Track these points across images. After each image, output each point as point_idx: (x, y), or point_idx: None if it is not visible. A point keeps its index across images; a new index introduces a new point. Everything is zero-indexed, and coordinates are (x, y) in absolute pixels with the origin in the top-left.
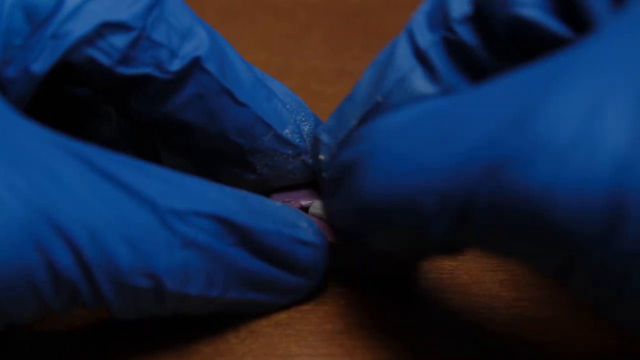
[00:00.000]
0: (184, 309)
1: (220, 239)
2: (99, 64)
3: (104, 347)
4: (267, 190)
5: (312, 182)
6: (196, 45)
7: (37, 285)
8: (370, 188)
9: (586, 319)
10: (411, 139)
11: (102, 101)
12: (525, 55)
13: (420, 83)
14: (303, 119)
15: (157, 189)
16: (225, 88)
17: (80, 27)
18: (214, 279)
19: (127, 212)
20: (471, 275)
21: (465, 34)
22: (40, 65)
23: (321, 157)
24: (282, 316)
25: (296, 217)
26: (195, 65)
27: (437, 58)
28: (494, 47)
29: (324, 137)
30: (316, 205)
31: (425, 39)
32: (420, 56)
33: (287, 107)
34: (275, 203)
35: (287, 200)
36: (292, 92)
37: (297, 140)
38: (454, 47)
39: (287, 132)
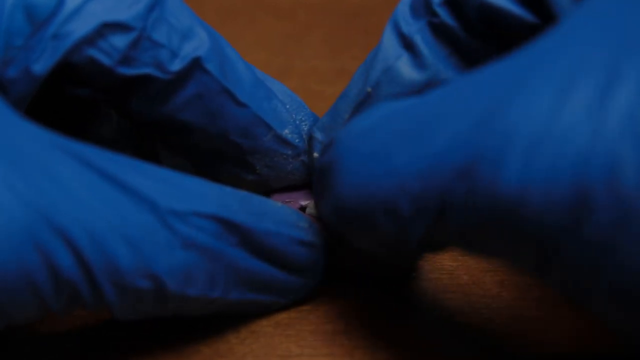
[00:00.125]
0: (184, 310)
1: (221, 239)
2: (99, 64)
3: (104, 347)
4: (267, 190)
5: (312, 183)
6: (196, 45)
7: (37, 286)
8: (343, 190)
9: (587, 319)
10: (380, 141)
11: (102, 102)
12: (500, 39)
13: (407, 70)
14: (303, 119)
15: (157, 190)
16: (225, 88)
17: (81, 28)
18: (215, 280)
19: (127, 212)
20: (471, 276)
21: (446, 16)
22: (41, 65)
23: (315, 154)
24: (283, 316)
25: (296, 218)
26: (195, 65)
27: (423, 43)
28: (472, 31)
29: (318, 135)
30: (312, 205)
31: (410, 26)
32: (406, 43)
33: (287, 107)
34: (275, 203)
35: (286, 200)
36: (292, 92)
37: (297, 141)
38: (438, 30)
39: (286, 133)
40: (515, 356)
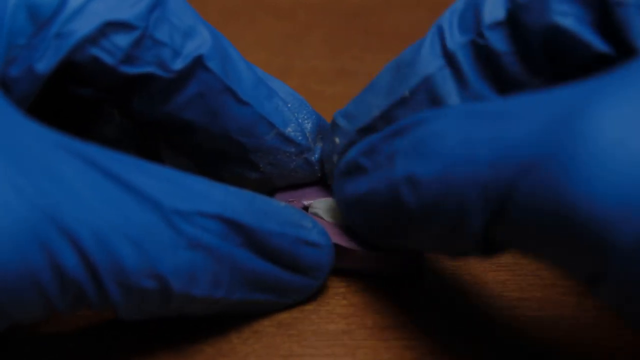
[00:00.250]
0: (188, 310)
1: (226, 239)
2: (102, 63)
3: (107, 347)
4: (270, 189)
5: (315, 181)
6: (199, 44)
7: (42, 285)
8: (426, 173)
9: (589, 319)
10: (467, 130)
11: (105, 101)
12: (558, 73)
13: (447, 84)
14: (305, 117)
15: (162, 190)
16: (227, 87)
17: (83, 27)
18: (219, 280)
19: (131, 212)
20: (473, 276)
21: (496, 40)
22: (44, 64)
23: (337, 140)
24: (285, 316)
25: (301, 217)
26: (197, 64)
27: (465, 61)
28: (526, 58)
29: (341, 122)
30: (315, 205)
31: (455, 39)
32: (449, 56)
33: (289, 105)
34: (279, 203)
35: (290, 199)
36: (294, 91)
37: (300, 138)
38: (482, 53)
39: (289, 130)
40: (518, 356)
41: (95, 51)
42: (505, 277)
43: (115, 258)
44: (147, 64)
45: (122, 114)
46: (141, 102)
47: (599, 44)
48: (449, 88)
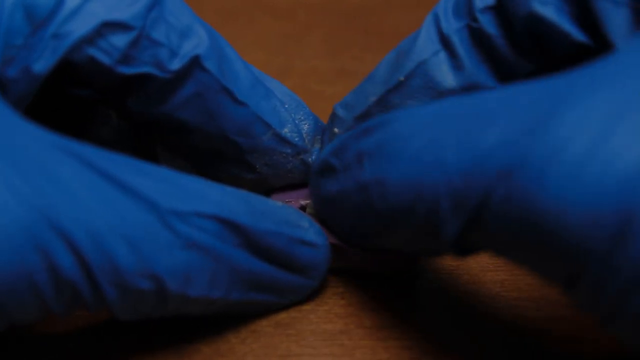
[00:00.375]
0: (185, 310)
1: (222, 239)
2: (99, 63)
3: (105, 347)
4: (267, 189)
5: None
6: (196, 43)
7: (38, 286)
8: (391, 175)
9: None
10: (434, 133)
11: (101, 102)
12: (544, 56)
13: (442, 67)
14: (302, 118)
15: (158, 190)
16: (224, 87)
17: (80, 27)
18: (216, 280)
19: (127, 213)
20: (472, 275)
21: (487, 23)
22: (41, 65)
23: (335, 130)
24: (283, 316)
25: (297, 217)
26: (194, 63)
27: (460, 45)
28: (514, 42)
29: (340, 112)
30: (312, 205)
31: (450, 24)
32: (444, 40)
33: (286, 106)
34: (276, 203)
35: (287, 200)
36: (291, 92)
37: (296, 139)
38: (476, 36)
39: (286, 131)
40: (516, 356)
41: (92, 51)
42: (504, 277)
43: (110, 258)
44: (144, 64)
45: (118, 114)
46: (138, 102)
47: (577, 34)
48: (444, 71)
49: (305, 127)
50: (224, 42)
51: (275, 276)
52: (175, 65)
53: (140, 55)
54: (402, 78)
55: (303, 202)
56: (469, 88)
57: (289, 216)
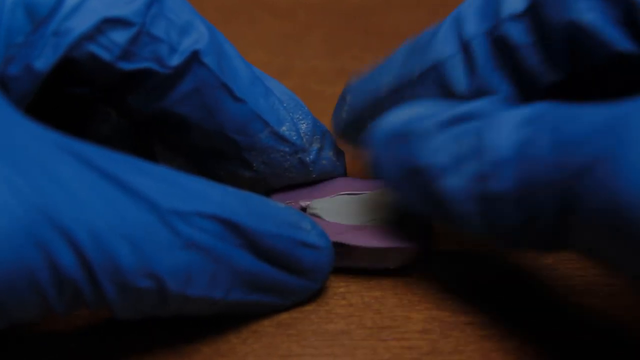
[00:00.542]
0: (186, 311)
1: (223, 240)
2: (100, 59)
3: (105, 347)
4: (265, 189)
5: (310, 182)
6: (195, 39)
7: (39, 285)
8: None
9: (588, 320)
10: (532, 131)
11: (101, 99)
12: (575, 65)
13: (457, 71)
14: (300, 117)
15: (159, 190)
16: (223, 83)
17: (81, 24)
18: (217, 281)
19: (127, 212)
20: (472, 275)
21: (514, 32)
22: (43, 62)
23: (344, 115)
24: (284, 316)
25: (299, 219)
26: (194, 59)
27: (480, 50)
28: (546, 51)
29: (349, 97)
30: (314, 205)
31: (472, 28)
32: (463, 45)
33: (285, 105)
34: (278, 204)
35: (287, 201)
36: (290, 91)
37: (294, 138)
38: (499, 44)
39: (284, 129)
40: (520, 356)
41: (92, 48)
42: (505, 278)
43: (111, 257)
44: (144, 59)
45: (118, 112)
46: (138, 98)
47: (623, 43)
48: (458, 75)
49: (304, 126)
50: (224, 39)
51: (277, 278)
52: (175, 61)
53: (140, 51)
54: (416, 76)
55: (303, 203)
56: (478, 92)
57: (290, 218)
